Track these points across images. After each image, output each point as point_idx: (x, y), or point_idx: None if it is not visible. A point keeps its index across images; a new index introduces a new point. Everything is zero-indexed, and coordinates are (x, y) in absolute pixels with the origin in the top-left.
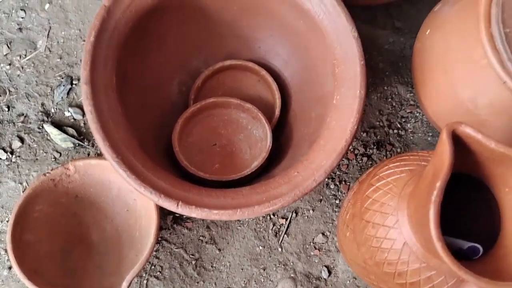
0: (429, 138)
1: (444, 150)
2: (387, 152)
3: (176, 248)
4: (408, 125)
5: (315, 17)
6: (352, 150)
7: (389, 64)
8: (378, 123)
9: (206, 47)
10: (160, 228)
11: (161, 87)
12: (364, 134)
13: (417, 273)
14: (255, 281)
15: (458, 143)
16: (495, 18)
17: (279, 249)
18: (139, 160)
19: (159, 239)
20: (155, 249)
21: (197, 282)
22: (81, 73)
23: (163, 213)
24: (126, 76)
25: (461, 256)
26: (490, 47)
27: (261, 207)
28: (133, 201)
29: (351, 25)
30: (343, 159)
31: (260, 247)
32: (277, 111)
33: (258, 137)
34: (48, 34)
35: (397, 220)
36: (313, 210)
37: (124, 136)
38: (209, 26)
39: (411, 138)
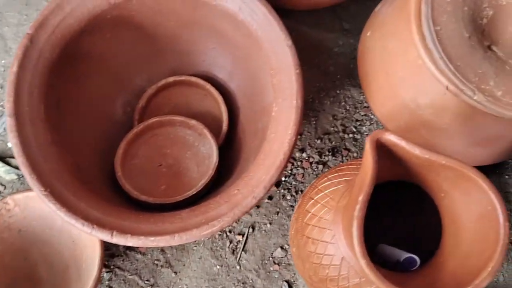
0: None
1: (367, 161)
2: (343, 158)
3: (130, 275)
4: (364, 128)
5: (249, 28)
6: (307, 158)
7: (340, 67)
8: (332, 128)
9: (148, 64)
10: (111, 255)
11: (104, 110)
12: (319, 141)
13: None
14: None
15: (390, 151)
16: (425, 17)
17: (237, 267)
18: (71, 190)
19: (112, 267)
20: (108, 277)
21: None
22: (5, 105)
23: None
24: (59, 103)
25: (402, 267)
26: (422, 47)
27: (199, 230)
28: (78, 231)
29: (284, 33)
30: (298, 168)
31: (218, 267)
32: (224, 126)
33: (205, 154)
34: None
35: (334, 234)
36: (270, 223)
37: (54, 167)
38: (148, 43)
39: None
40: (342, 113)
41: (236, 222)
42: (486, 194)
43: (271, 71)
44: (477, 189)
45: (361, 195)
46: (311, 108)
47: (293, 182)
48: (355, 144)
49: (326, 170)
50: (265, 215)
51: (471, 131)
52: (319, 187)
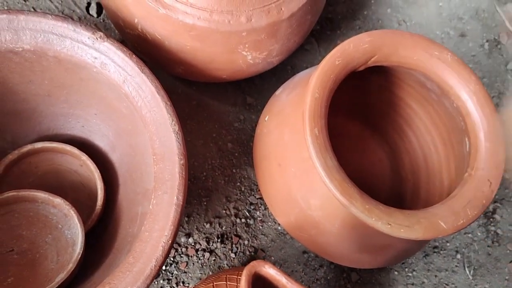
0: (279, 227)
1: None
2: (233, 246)
3: None
4: (257, 212)
5: (134, 103)
6: (193, 244)
7: (239, 144)
8: (224, 211)
9: (11, 124)
10: None
11: None
12: (208, 225)
13: None
14: None
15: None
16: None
17: None
18: None
19: None
20: None
21: None
22: None
23: None
24: None
25: None
26: (313, 148)
27: None
28: None
29: (172, 117)
30: (182, 255)
31: None
32: (99, 205)
33: (69, 240)
34: None
35: None
36: None
37: None
38: (13, 101)
39: (260, 227)
40: (237, 195)
41: None
42: None
43: (153, 156)
44: None
45: None
46: (203, 187)
47: (175, 272)
48: (247, 230)
49: (213, 259)
50: None
51: (359, 238)
52: None
